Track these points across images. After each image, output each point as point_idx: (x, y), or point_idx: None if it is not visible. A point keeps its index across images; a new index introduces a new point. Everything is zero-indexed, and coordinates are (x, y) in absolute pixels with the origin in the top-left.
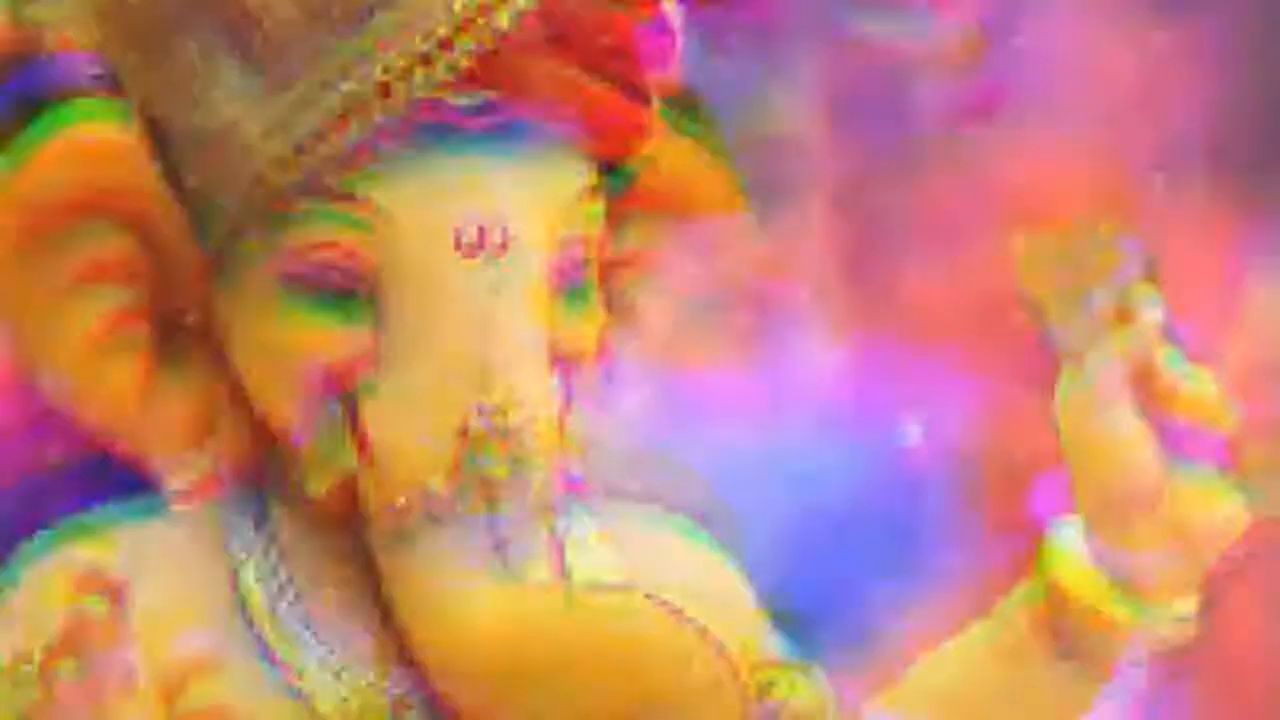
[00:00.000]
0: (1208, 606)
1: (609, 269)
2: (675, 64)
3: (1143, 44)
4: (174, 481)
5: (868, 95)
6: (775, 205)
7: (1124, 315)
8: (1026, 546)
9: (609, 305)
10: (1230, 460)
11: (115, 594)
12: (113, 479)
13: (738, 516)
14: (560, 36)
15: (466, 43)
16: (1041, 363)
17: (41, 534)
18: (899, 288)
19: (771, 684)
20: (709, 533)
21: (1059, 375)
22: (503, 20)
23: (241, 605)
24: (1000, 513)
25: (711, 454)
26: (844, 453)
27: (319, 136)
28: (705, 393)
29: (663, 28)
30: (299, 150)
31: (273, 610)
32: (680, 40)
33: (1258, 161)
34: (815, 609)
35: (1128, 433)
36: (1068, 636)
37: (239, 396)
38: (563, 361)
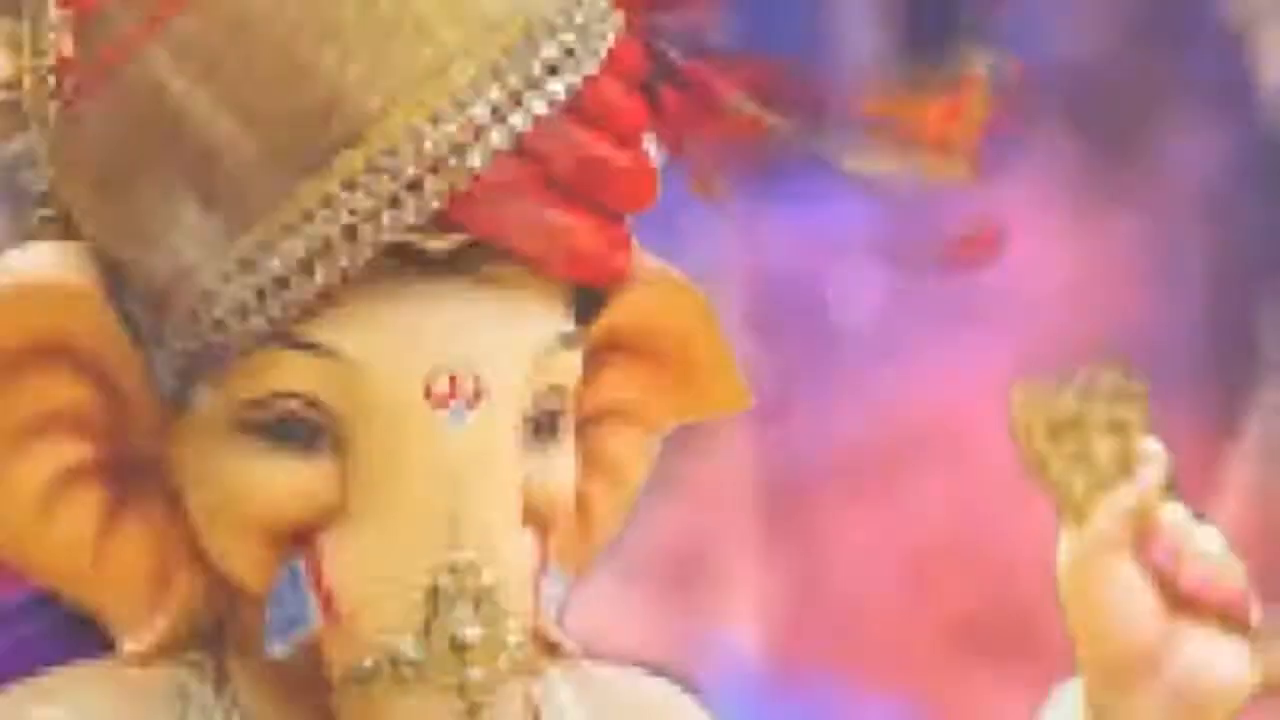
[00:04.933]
0: None
1: (586, 422)
2: (654, 202)
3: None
4: (129, 643)
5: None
6: (692, 431)
7: (1126, 468)
8: None
9: (585, 459)
10: (1237, 620)
11: None
12: (64, 618)
13: None
14: (535, 175)
15: (438, 184)
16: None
17: None
18: (823, 538)
19: None
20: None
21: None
22: (476, 160)
23: None
24: None
25: None
26: None
27: (282, 282)
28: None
29: (643, 163)
30: (260, 296)
31: None
32: (659, 180)
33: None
34: None
35: (1129, 590)
36: None
37: (197, 552)
38: (537, 517)
